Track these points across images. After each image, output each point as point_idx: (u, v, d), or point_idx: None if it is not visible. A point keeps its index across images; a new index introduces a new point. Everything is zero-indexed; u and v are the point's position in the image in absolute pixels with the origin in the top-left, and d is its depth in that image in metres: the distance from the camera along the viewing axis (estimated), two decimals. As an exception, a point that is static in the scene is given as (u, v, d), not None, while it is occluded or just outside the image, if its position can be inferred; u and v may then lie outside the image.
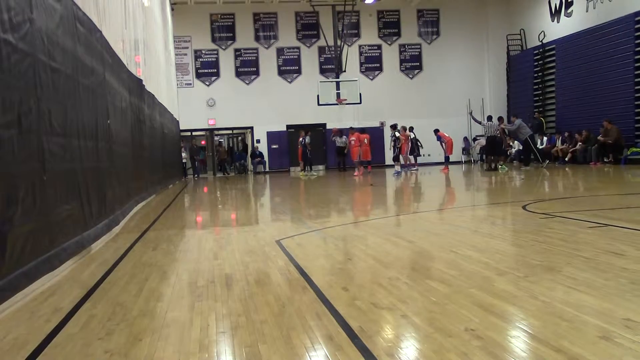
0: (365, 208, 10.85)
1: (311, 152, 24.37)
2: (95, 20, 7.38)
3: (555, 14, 24.37)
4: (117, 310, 3.81)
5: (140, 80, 12.48)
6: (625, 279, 3.85)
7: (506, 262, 4.74)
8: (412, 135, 23.10)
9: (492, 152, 20.25)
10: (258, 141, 27.28)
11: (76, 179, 5.91)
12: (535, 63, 25.41)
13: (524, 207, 8.48)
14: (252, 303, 3.80)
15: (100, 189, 7.10)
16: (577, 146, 20.72)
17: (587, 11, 22.15)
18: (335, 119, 26.77)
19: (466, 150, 28.18)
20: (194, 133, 27.99)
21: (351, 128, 23.66)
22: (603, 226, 6.20)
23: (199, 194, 17.24)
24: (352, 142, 22.34)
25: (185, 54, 26.88)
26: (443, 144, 22.39)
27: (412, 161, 23.44)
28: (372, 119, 26.05)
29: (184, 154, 26.88)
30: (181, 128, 25.64)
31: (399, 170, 20.98)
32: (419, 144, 22.89)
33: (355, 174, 21.22)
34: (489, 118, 20.51)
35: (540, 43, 25.04)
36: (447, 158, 22.49)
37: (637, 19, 19.04)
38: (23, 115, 4.33)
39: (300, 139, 23.41)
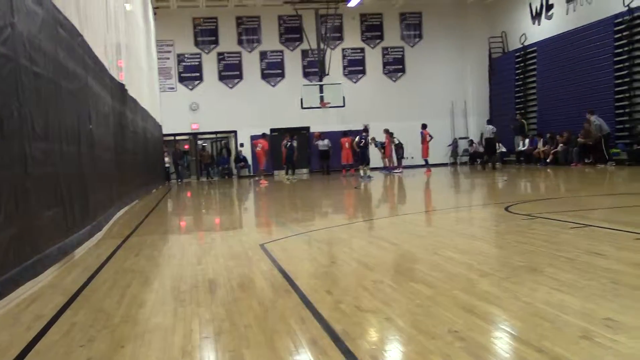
0: (349, 211, 10.86)
1: (297, 155, 24.28)
2: (76, 25, 7.33)
3: (536, 16, 24.59)
4: (99, 316, 3.78)
5: (123, 85, 12.41)
6: (606, 279, 3.89)
7: (489, 264, 4.78)
8: (397, 141, 23.28)
9: (492, 152, 22.60)
10: (242, 145, 27.19)
11: (59, 184, 5.86)
12: (517, 65, 25.60)
13: (506, 209, 8.54)
14: (235, 308, 3.79)
15: (82, 195, 7.04)
16: (559, 147, 20.91)
17: (567, 14, 22.37)
18: (319, 123, 26.74)
19: (454, 152, 28.31)
20: (177, 137, 27.84)
21: (264, 134, 23.11)
22: (584, 227, 6.26)
23: (183, 198, 17.17)
24: (259, 148, 21.70)
25: (168, 58, 26.74)
26: (422, 145, 22.73)
27: (396, 164, 23.55)
28: (355, 122, 26.03)
29: (167, 159, 26.73)
30: (164, 132, 25.49)
31: (369, 175, 20.82)
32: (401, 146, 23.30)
33: (261, 182, 20.76)
34: (489, 121, 23.41)
35: (522, 45, 25.25)
36: (426, 161, 22.73)
37: (615, 21, 19.26)
38: (5, 120, 4.29)
39: (285, 142, 23.34)
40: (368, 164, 21.39)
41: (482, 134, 23.76)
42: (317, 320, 3.37)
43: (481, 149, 25.90)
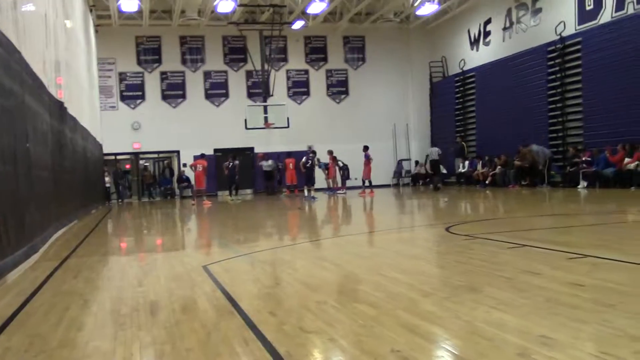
0: (293, 232, 10.86)
1: (239, 176, 24.10)
2: (14, 41, 7.14)
3: (474, 42, 25.38)
4: (35, 341, 3.65)
5: (62, 103, 12.13)
6: (542, 297, 4.02)
7: (430, 284, 4.86)
8: (341, 164, 23.46)
9: (437, 173, 22.85)
10: (184, 165, 26.85)
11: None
12: (457, 89, 26.31)
13: (447, 229, 8.72)
14: (177, 331, 3.73)
15: (18, 215, 6.82)
16: (497, 170, 21.52)
17: (503, 41, 23.21)
18: (263, 143, 26.76)
19: (398, 174, 28.68)
20: (118, 157, 27.28)
21: (202, 155, 22.69)
22: (521, 247, 6.45)
23: (123, 219, 16.81)
24: (199, 168, 21.53)
25: (110, 77, 26.28)
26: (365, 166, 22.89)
27: (340, 185, 23.70)
28: (299, 143, 26.14)
29: (107, 178, 26.12)
30: (105, 152, 24.97)
31: (313, 196, 20.92)
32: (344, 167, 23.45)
33: (192, 202, 20.83)
34: (433, 144, 24.42)
35: (461, 70, 25.97)
36: (369, 182, 22.88)
37: (548, 49, 20.10)
38: None
39: (227, 162, 23.20)
40: (313, 184, 21.47)
41: (427, 156, 24.17)
42: (260, 342, 3.35)
43: (423, 171, 26.46)
